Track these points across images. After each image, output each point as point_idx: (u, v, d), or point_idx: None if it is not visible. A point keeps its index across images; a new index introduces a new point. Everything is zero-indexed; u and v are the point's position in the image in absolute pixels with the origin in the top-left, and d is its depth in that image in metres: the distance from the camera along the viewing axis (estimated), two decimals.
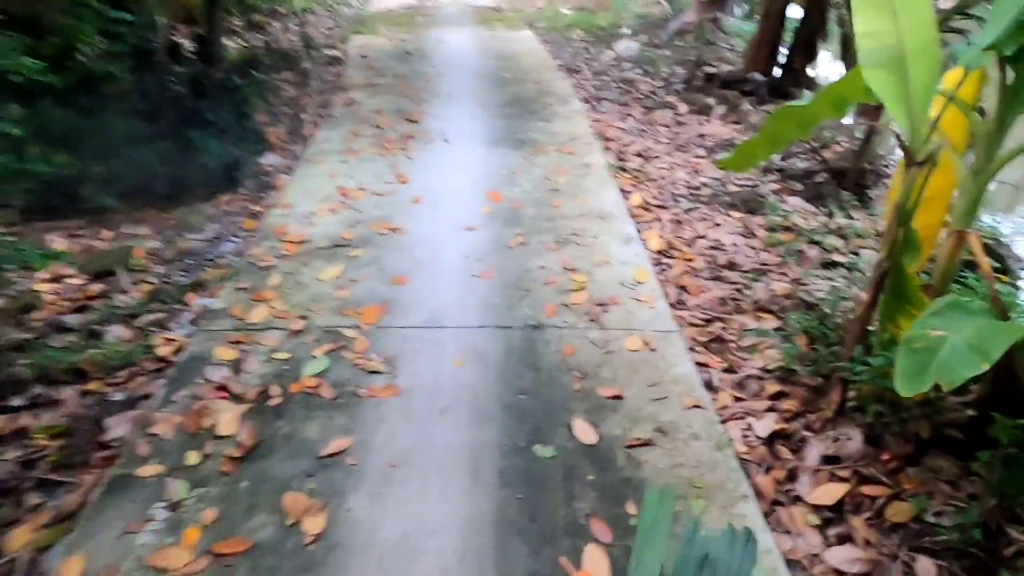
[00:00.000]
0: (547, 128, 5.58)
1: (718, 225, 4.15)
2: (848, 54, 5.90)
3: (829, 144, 4.88)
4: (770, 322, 3.21)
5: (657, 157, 5.16)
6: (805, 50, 6.13)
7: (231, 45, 7.84)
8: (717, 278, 3.63)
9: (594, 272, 3.55)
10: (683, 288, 3.50)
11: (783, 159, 4.89)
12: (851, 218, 4.29)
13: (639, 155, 5.18)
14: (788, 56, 6.13)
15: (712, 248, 3.91)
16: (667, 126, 5.80)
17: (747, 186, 4.55)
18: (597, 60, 7.79)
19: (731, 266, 3.73)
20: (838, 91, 2.62)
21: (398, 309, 3.22)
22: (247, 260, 3.60)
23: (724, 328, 3.19)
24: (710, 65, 7.19)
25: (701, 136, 5.54)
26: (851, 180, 4.42)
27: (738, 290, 3.53)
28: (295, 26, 9.51)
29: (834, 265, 3.89)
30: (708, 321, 3.25)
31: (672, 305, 3.32)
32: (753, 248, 3.93)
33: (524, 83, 6.72)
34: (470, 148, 5.15)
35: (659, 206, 4.38)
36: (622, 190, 4.52)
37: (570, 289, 3.39)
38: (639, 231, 3.99)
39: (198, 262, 3.71)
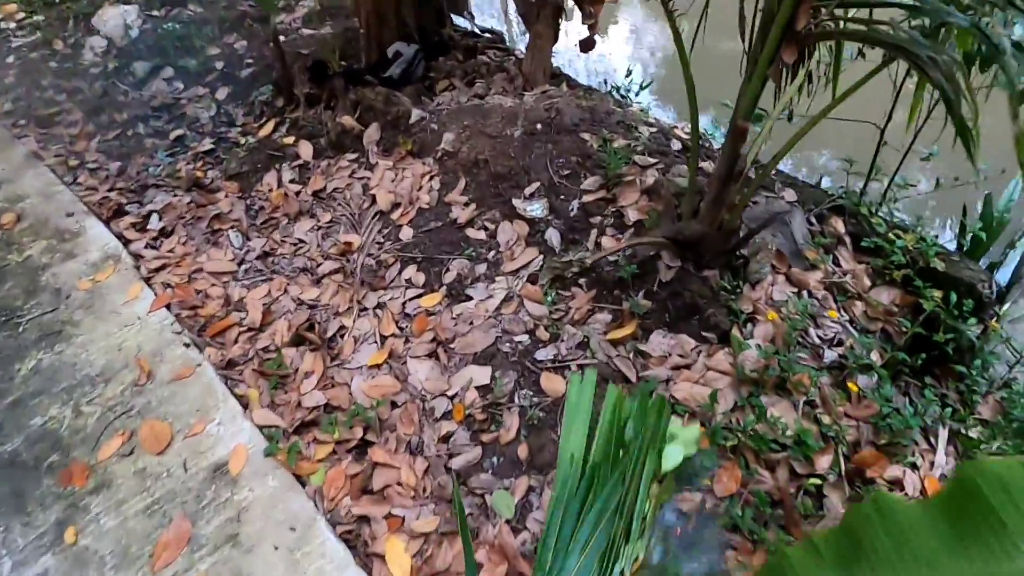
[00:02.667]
0: (67, 360, 2.38)
1: None
2: None
3: (625, 178, 2.66)
4: None
5: (343, 336, 2.44)
6: None
7: None
8: None
9: None
10: None
11: (570, 235, 2.58)
12: (749, 327, 2.32)
13: (311, 344, 2.41)
14: None
15: None
16: (305, 215, 2.97)
17: (560, 362, 2.21)
18: (77, 70, 4.13)
19: None
20: None
21: None
22: None
23: None
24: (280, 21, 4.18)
25: (380, 218, 2.87)
26: (712, 250, 2.36)
27: None
28: None
29: (818, 492, 1.96)
30: None
31: None
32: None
33: None
34: None
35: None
36: (357, 557, 1.87)
37: None
38: None
39: None
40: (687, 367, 2.21)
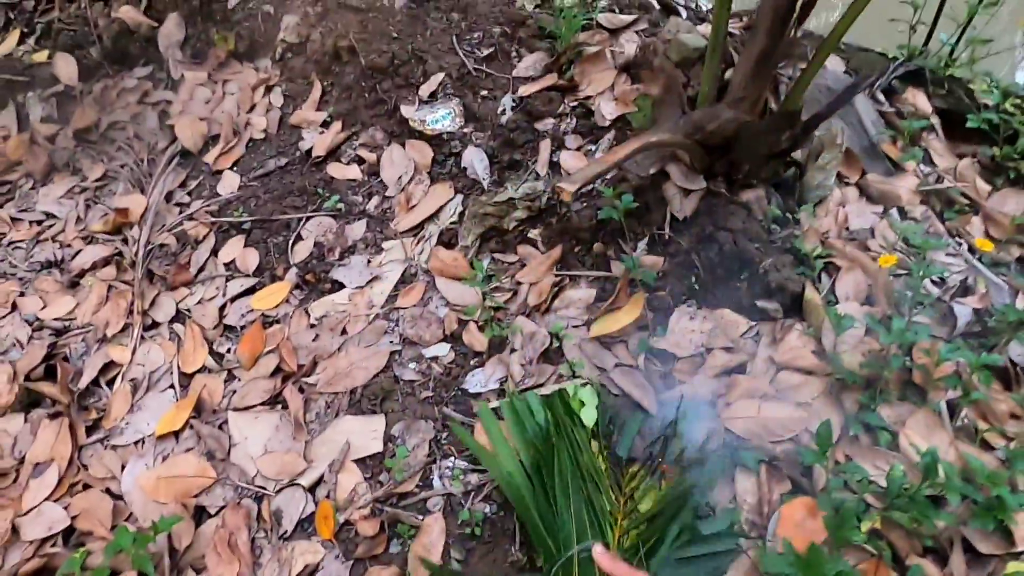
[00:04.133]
0: None
1: None
2: None
3: (587, 49, 1.58)
4: None
5: (112, 381, 1.33)
6: None
7: None
8: None
9: None
10: None
11: (504, 155, 1.51)
12: (823, 281, 1.34)
13: (52, 405, 1.29)
14: None
15: None
16: (62, 172, 1.78)
17: (515, 392, 1.18)
18: None
19: None
20: None
21: None
22: None
23: None
24: None
25: (185, 162, 1.72)
26: (754, 153, 1.34)
27: None
28: None
29: None
30: None
31: None
32: None
33: None
34: None
35: None
36: None
37: None
38: None
39: None
40: (741, 369, 1.22)
